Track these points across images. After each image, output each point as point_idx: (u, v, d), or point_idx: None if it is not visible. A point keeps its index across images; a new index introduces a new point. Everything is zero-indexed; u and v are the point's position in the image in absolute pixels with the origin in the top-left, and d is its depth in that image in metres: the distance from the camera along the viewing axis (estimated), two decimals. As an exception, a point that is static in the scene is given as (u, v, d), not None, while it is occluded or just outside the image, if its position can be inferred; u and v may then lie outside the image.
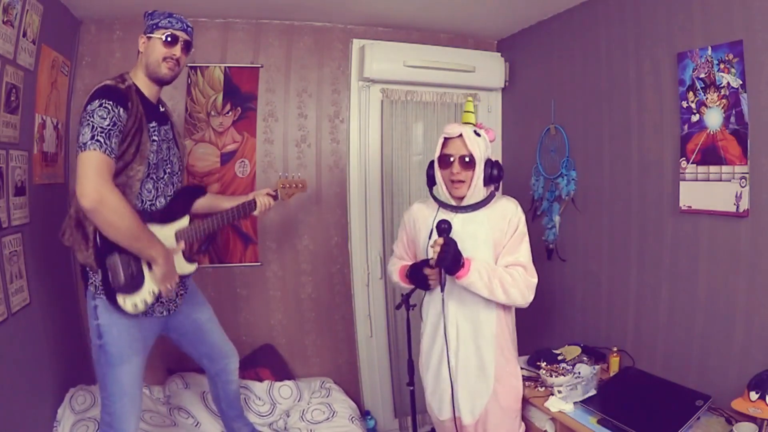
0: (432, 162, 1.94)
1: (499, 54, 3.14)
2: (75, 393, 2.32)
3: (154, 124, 1.80)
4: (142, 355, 1.85)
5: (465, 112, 1.95)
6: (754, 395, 1.59)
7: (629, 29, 2.28)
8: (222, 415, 2.30)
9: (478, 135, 1.85)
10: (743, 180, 1.82)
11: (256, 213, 2.10)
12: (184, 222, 1.92)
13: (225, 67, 2.78)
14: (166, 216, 1.87)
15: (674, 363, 2.09)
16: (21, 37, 1.94)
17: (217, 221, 2.00)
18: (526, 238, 1.92)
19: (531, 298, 1.88)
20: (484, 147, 1.84)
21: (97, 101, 1.62)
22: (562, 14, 2.68)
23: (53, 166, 2.39)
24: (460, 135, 1.83)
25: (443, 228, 1.79)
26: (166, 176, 1.88)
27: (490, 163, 1.85)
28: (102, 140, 1.59)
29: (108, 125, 1.60)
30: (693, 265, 2.02)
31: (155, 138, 1.80)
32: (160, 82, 1.84)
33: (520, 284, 1.84)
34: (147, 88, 1.82)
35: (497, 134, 3.23)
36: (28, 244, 2.06)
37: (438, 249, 1.76)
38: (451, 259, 1.75)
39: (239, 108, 2.82)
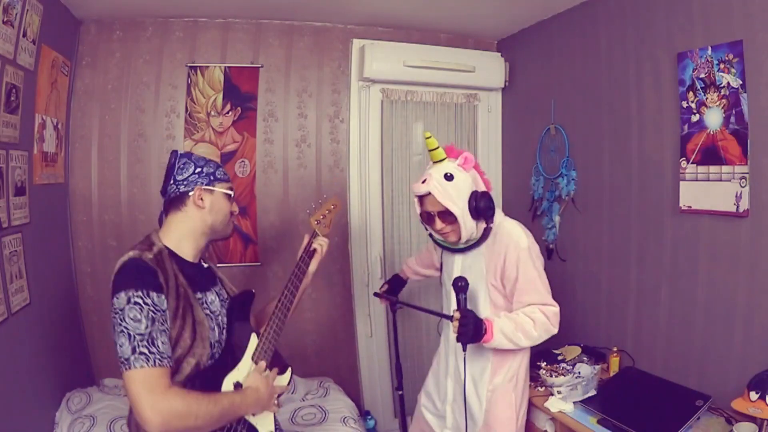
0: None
1: (499, 54, 3.14)
2: (71, 396, 2.31)
3: (199, 295, 1.42)
4: None
5: (429, 150, 1.75)
6: (754, 395, 1.59)
7: (629, 29, 2.28)
8: None
9: (450, 178, 1.69)
10: (743, 180, 1.82)
11: (311, 268, 1.85)
12: (252, 343, 1.52)
13: (225, 67, 2.78)
14: (235, 355, 1.48)
15: (674, 363, 2.09)
16: (21, 37, 1.94)
17: (283, 308, 1.63)
18: (534, 271, 1.76)
19: (556, 328, 1.80)
20: (457, 190, 1.68)
21: (123, 294, 1.24)
22: (562, 14, 2.68)
23: (53, 166, 2.39)
24: (429, 193, 1.70)
25: (460, 286, 1.71)
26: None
27: (474, 197, 1.69)
28: (147, 351, 1.23)
29: (146, 328, 1.24)
30: (693, 265, 2.02)
31: (209, 311, 1.42)
32: (221, 240, 1.61)
33: (541, 324, 1.76)
34: (190, 247, 1.45)
35: (497, 135, 3.25)
36: (28, 244, 2.06)
37: (457, 325, 1.69)
38: (472, 334, 1.67)
39: (239, 108, 2.82)
